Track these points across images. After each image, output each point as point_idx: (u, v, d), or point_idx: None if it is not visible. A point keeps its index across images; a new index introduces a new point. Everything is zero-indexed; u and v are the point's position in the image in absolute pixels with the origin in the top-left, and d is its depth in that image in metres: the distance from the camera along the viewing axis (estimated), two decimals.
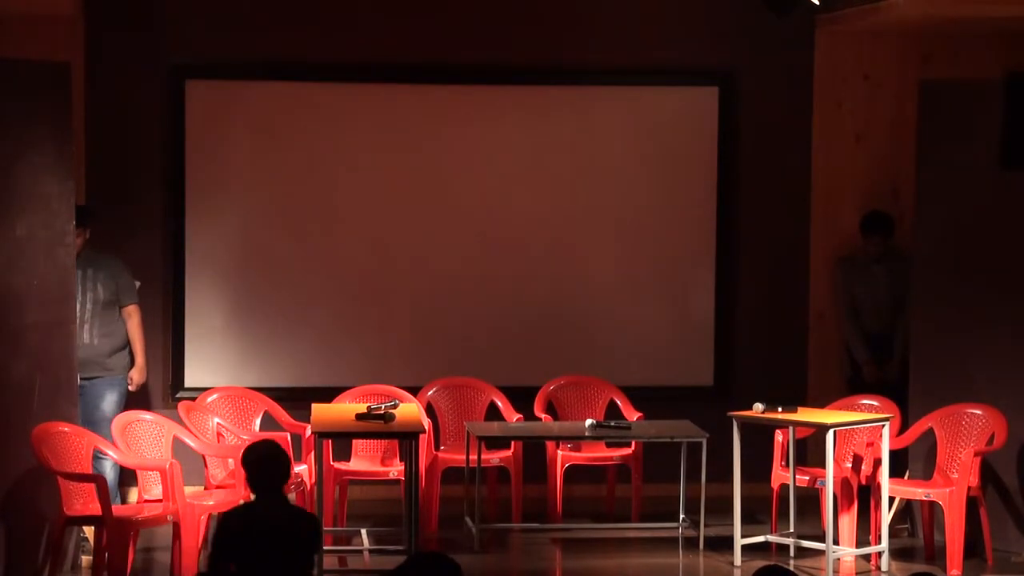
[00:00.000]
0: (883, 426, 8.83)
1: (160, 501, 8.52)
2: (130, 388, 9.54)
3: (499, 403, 10.03)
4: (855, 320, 10.40)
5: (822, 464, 8.84)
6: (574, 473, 9.92)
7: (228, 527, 6.66)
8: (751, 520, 9.51)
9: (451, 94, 10.58)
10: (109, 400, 9.37)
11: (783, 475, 9.25)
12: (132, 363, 9.54)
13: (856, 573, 8.86)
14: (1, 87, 8.22)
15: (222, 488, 8.88)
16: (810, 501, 9.53)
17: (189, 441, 8.93)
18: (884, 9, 9.84)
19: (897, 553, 9.12)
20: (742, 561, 8.86)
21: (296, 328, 10.49)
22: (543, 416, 9.99)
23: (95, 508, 8.16)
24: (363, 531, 9.40)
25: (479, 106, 10.62)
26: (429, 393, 10.03)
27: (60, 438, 8.31)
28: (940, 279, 9.45)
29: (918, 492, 9.07)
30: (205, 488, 9.00)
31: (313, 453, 9.04)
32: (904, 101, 10.37)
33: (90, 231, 9.40)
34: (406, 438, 8.85)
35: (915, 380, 9.55)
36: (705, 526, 9.25)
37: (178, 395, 10.25)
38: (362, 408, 8.99)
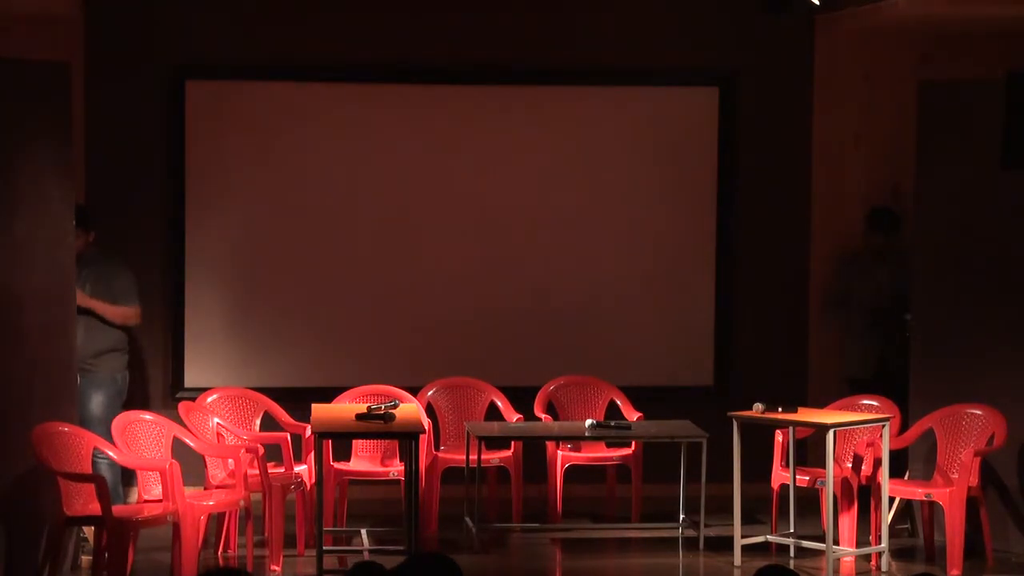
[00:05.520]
0: (883, 426, 8.83)
1: (160, 501, 8.52)
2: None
3: (499, 403, 10.03)
4: (837, 308, 10.44)
5: (822, 464, 8.84)
6: (574, 473, 9.91)
7: None
8: (751, 520, 9.51)
9: (451, 94, 10.58)
10: (96, 401, 9.32)
11: (783, 475, 9.24)
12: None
13: (856, 573, 8.86)
14: (1, 87, 8.22)
15: (222, 488, 8.88)
16: (810, 501, 9.52)
17: (189, 441, 8.93)
18: (884, 9, 9.83)
19: (897, 553, 9.12)
20: (742, 561, 8.86)
21: (296, 328, 10.50)
22: (543, 416, 9.99)
23: (95, 508, 8.16)
24: (363, 531, 9.40)
25: (479, 106, 10.62)
26: (429, 393, 10.02)
27: (60, 438, 8.30)
28: (940, 279, 9.45)
29: (918, 492, 9.07)
30: (205, 488, 8.99)
31: (313, 453, 9.04)
32: (904, 101, 10.36)
33: (94, 234, 9.37)
34: (406, 438, 8.86)
35: (915, 380, 9.54)
36: (705, 526, 9.24)
37: (178, 395, 10.24)
38: (362, 408, 9.00)
